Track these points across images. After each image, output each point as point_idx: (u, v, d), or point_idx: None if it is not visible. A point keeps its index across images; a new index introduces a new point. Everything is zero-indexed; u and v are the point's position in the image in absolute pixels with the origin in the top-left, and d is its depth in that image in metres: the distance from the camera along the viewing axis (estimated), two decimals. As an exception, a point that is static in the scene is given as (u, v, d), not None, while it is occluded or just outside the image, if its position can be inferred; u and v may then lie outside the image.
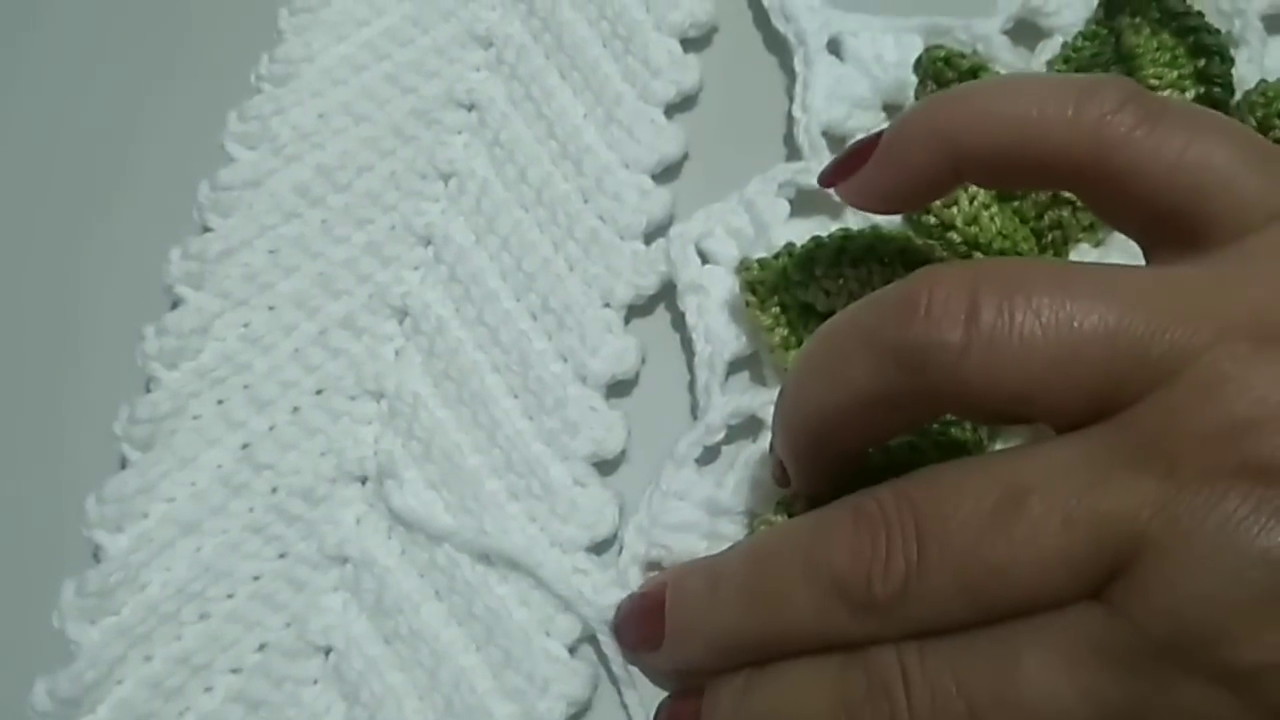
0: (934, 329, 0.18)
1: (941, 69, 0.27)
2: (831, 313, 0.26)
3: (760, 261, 0.27)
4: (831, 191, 0.28)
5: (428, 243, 0.30)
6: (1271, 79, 0.28)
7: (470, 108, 0.31)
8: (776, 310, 0.27)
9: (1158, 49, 0.28)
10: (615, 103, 0.31)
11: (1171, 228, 0.19)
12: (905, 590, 0.18)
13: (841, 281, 0.26)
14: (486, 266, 0.29)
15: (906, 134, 0.21)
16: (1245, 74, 0.28)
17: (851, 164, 0.22)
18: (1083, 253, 0.28)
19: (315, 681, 0.26)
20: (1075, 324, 0.17)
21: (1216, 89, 0.27)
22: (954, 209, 0.27)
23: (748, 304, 0.27)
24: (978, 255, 0.27)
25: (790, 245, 0.26)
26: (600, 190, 0.29)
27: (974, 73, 0.27)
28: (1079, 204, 0.27)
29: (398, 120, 0.31)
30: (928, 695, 0.18)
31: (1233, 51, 0.29)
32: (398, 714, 0.25)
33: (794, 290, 0.26)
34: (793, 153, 0.30)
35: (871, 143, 0.22)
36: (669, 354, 0.29)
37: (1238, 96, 0.28)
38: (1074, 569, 0.17)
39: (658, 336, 0.29)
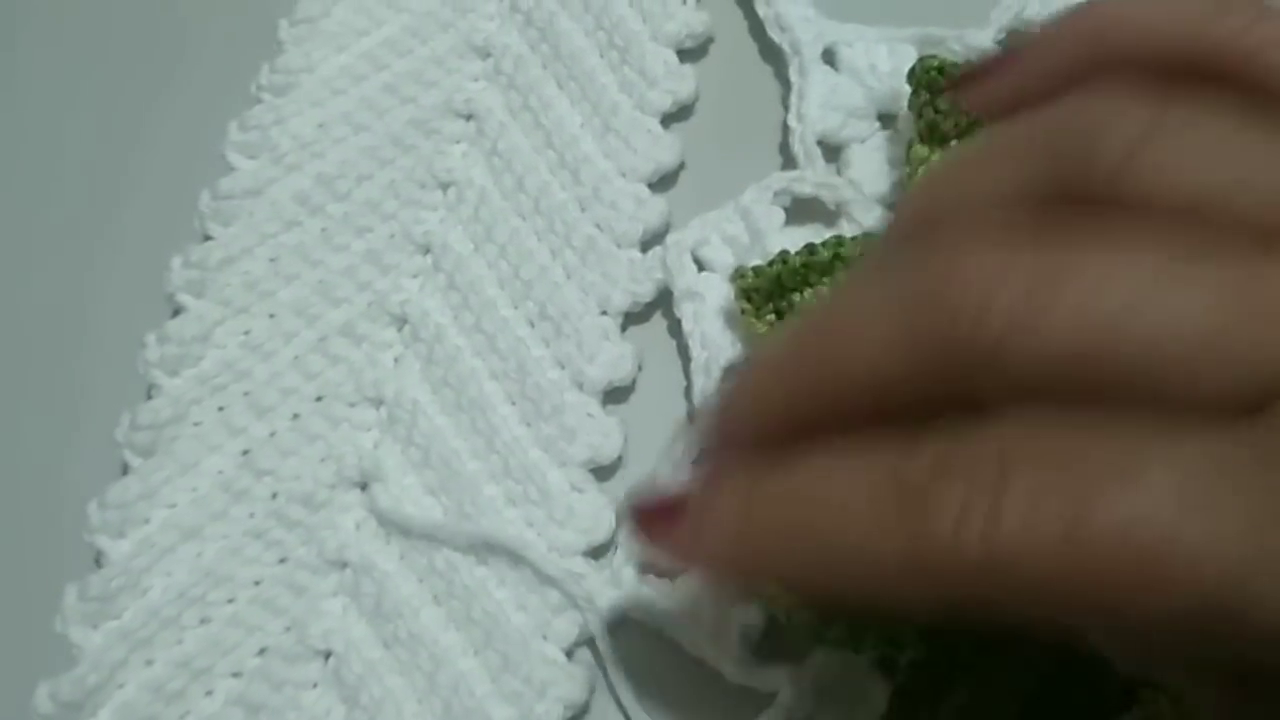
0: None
1: (935, 78, 0.28)
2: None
3: (755, 269, 0.27)
4: (826, 198, 0.29)
5: (426, 251, 0.30)
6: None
7: (469, 117, 0.32)
8: (772, 317, 0.27)
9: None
10: (612, 112, 0.31)
11: None
12: (1019, 328, 0.15)
13: (834, 288, 0.26)
14: (484, 274, 0.29)
15: (1052, 38, 0.19)
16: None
17: (990, 69, 0.20)
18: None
19: (315, 685, 0.26)
20: None
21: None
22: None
23: (743, 311, 0.27)
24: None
25: (785, 253, 0.27)
26: (597, 199, 0.30)
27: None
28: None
29: (397, 130, 0.31)
30: (1023, 496, 0.14)
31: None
32: (397, 717, 0.25)
33: (789, 297, 0.27)
34: (788, 161, 0.30)
35: (1011, 55, 0.20)
36: (666, 361, 0.29)
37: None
38: (1235, 369, 0.14)
39: (655, 344, 0.29)
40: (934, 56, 0.28)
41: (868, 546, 0.15)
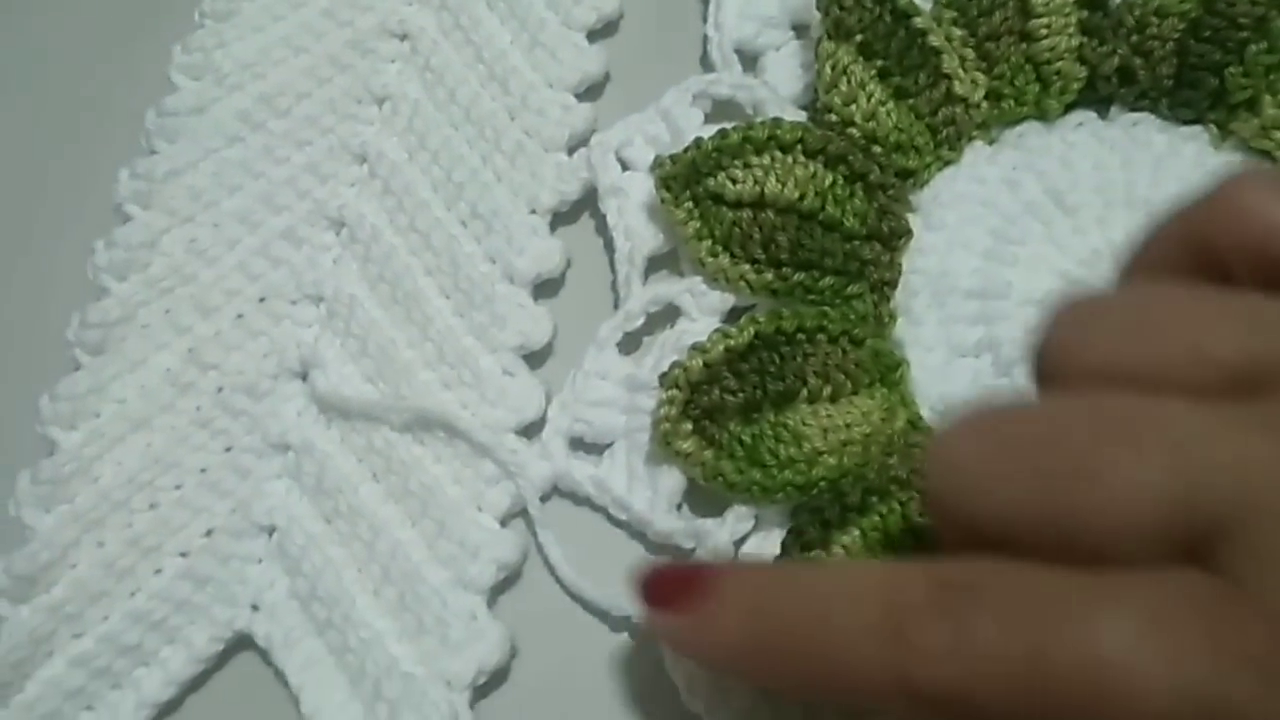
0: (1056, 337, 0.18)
1: (837, -16, 0.29)
2: (739, 202, 0.28)
3: (672, 156, 0.28)
4: (742, 99, 0.30)
5: (363, 160, 0.31)
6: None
7: (403, 37, 0.33)
8: (690, 204, 0.28)
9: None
10: (539, 28, 0.32)
11: None
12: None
13: (747, 170, 0.28)
14: (418, 180, 0.31)
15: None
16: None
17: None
18: (976, 150, 0.30)
19: (260, 560, 0.27)
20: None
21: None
22: (853, 106, 0.29)
23: (662, 200, 0.28)
24: (876, 149, 0.29)
25: (699, 139, 0.28)
26: (525, 107, 0.31)
27: None
28: (973, 102, 0.29)
29: (335, 50, 0.33)
30: (992, 624, 0.16)
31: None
32: (338, 583, 0.26)
33: (704, 182, 0.28)
34: (709, 72, 0.32)
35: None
36: (593, 260, 0.31)
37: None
38: (1172, 516, 0.16)
39: (583, 244, 0.31)
40: (838, -36, 0.29)
41: (858, 661, 0.17)
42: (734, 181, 0.28)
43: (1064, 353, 0.18)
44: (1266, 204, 0.18)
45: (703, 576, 0.20)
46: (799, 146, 0.28)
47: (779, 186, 0.27)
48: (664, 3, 0.34)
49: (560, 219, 0.31)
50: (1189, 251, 0.19)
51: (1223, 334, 0.17)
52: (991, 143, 0.30)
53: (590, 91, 0.32)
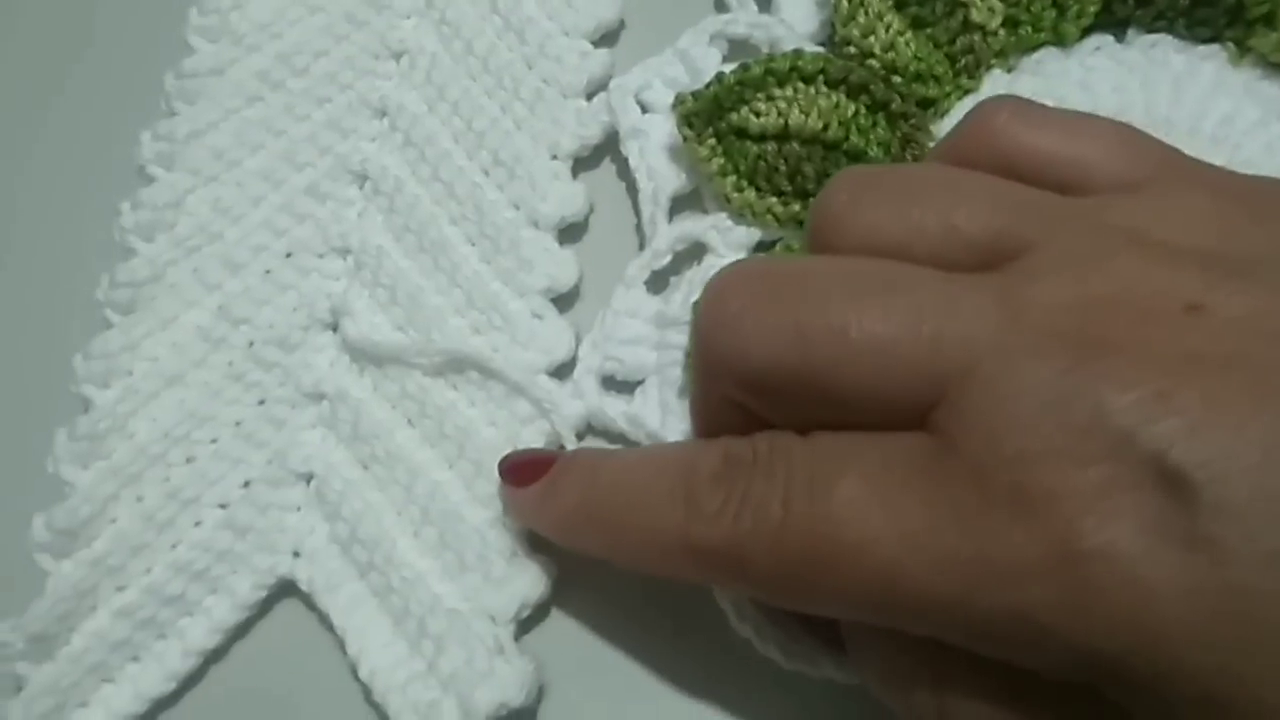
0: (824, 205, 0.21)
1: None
2: (763, 134, 0.28)
3: (694, 93, 0.28)
4: (759, 38, 0.30)
5: (383, 115, 0.32)
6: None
7: (419, -9, 0.33)
8: (713, 140, 0.28)
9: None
10: (555, -24, 0.32)
11: None
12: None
13: (770, 102, 0.28)
14: (439, 131, 0.31)
15: None
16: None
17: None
18: (995, 78, 0.30)
19: (299, 508, 0.27)
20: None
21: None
22: (871, 38, 0.29)
23: (685, 138, 0.28)
24: (896, 79, 0.29)
25: (720, 74, 0.28)
26: (543, 55, 0.31)
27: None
28: (990, 29, 0.29)
29: (350, 7, 0.33)
30: (756, 489, 0.19)
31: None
32: (378, 527, 0.26)
33: (726, 116, 0.28)
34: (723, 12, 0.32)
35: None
36: (616, 204, 0.31)
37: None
38: (908, 378, 0.18)
39: (604, 189, 0.31)
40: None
41: (659, 525, 0.20)
42: (757, 115, 0.28)
43: (835, 220, 0.20)
44: (1010, 125, 0.21)
45: (550, 459, 0.24)
46: (821, 77, 0.28)
47: (802, 117, 0.28)
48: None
49: (581, 165, 0.31)
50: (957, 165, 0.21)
51: (972, 211, 0.19)
52: (1010, 70, 0.30)
53: (606, 38, 0.32)
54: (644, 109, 0.31)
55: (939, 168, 0.21)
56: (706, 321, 0.20)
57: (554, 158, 0.30)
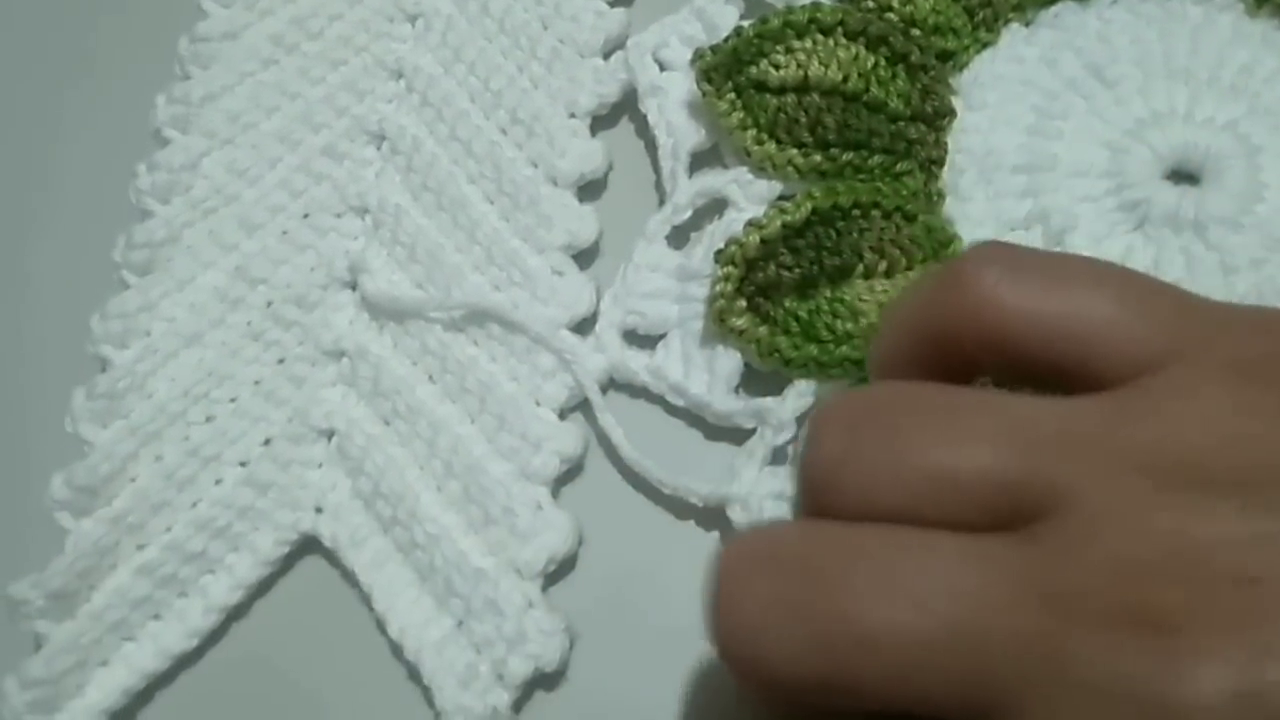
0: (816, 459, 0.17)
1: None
2: (783, 87, 0.28)
3: (713, 48, 0.28)
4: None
5: (400, 76, 0.31)
6: None
7: (431, -44, 0.33)
8: (732, 95, 0.28)
9: None
10: (569, -60, 0.32)
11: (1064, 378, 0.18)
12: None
13: (789, 54, 0.28)
14: (456, 91, 0.31)
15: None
16: None
17: None
18: (1013, 32, 0.30)
19: (320, 465, 0.27)
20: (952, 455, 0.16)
21: None
22: (890, -9, 0.29)
23: (704, 93, 0.28)
24: (915, 31, 0.29)
25: (739, 27, 0.28)
26: (559, 15, 0.31)
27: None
28: (1007, -16, 0.29)
29: (363, -28, 0.33)
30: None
31: None
32: (401, 482, 0.26)
33: (746, 70, 0.28)
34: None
35: None
36: (635, 162, 0.31)
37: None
38: (960, 684, 0.16)
39: (624, 147, 0.31)
40: None
41: None
42: (777, 67, 0.28)
43: (826, 481, 0.17)
44: (1003, 292, 0.17)
45: None
46: (840, 29, 0.28)
47: (822, 69, 0.27)
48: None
49: (599, 123, 0.31)
50: (930, 343, 0.18)
51: (980, 462, 0.16)
52: (1028, 24, 0.30)
53: None
54: (662, 67, 0.30)
55: (932, 392, 0.18)
56: (719, 627, 0.17)
57: (572, 116, 0.30)
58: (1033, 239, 0.27)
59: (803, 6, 0.28)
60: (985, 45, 0.29)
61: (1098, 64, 0.29)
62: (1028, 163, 0.28)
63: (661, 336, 0.28)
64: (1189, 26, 0.29)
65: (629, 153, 0.31)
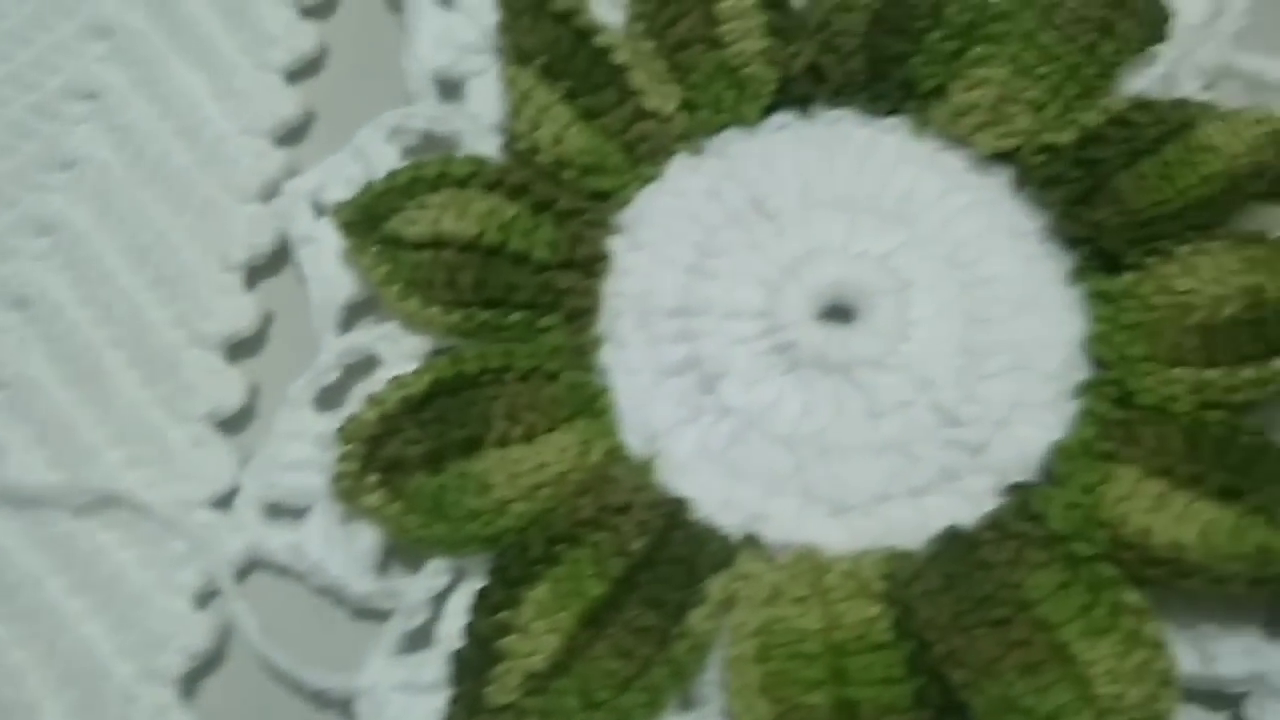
0: None
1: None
2: (419, 243, 0.27)
3: (350, 201, 0.27)
4: (440, 131, 0.29)
5: (48, 232, 0.30)
6: None
7: (91, 96, 0.31)
8: (375, 248, 0.27)
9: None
10: (233, 73, 0.31)
11: None
12: None
13: (422, 209, 0.27)
14: (104, 246, 0.29)
15: None
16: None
17: None
18: (680, 162, 0.29)
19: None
20: None
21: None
22: (539, 131, 0.28)
23: (348, 245, 0.27)
24: (567, 174, 0.28)
25: (371, 182, 0.27)
26: (218, 158, 0.30)
27: (543, 2, 0.28)
28: (665, 115, 0.28)
29: (18, 117, 0.31)
30: None
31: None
32: (17, 691, 0.25)
33: (383, 226, 0.27)
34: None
35: None
36: (301, 313, 0.29)
37: None
38: None
39: (289, 298, 0.29)
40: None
41: None
42: (411, 223, 0.27)
43: None
44: None
45: None
46: (475, 180, 0.27)
47: (456, 223, 0.26)
48: (371, 33, 0.32)
49: (263, 271, 0.29)
50: None
51: None
52: (697, 153, 0.29)
53: (291, 135, 0.31)
54: (325, 211, 0.29)
55: None
56: None
57: (225, 269, 0.29)
58: (688, 385, 0.26)
59: (435, 159, 0.27)
60: (649, 179, 0.28)
61: (760, 195, 0.28)
62: (683, 305, 0.27)
63: (309, 508, 0.26)
64: (854, 150, 0.28)
65: (294, 303, 0.29)
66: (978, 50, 0.28)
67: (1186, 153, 0.26)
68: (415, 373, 0.25)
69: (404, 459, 0.25)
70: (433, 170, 0.26)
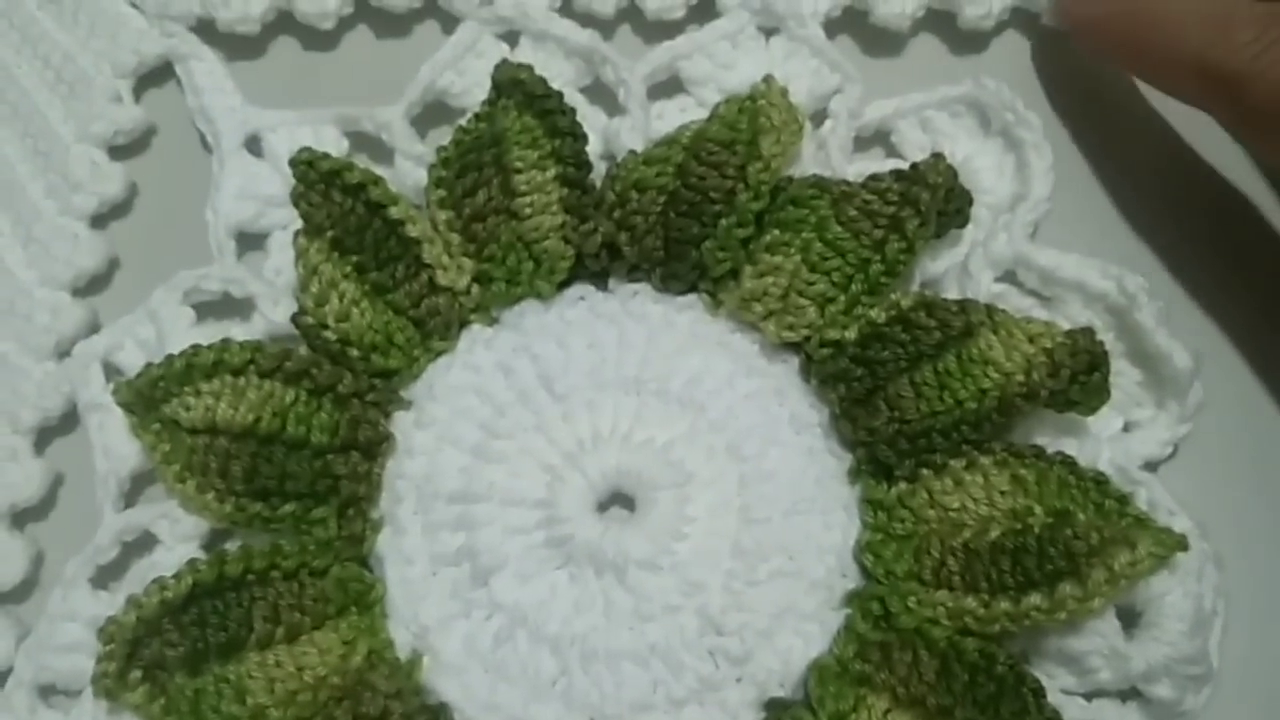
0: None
1: (306, 171, 0.28)
2: (195, 428, 0.26)
3: (130, 381, 0.27)
4: (235, 293, 0.29)
5: None
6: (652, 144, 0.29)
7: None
8: (157, 426, 0.27)
9: (521, 131, 0.29)
10: (35, 219, 0.30)
11: None
12: None
13: (198, 396, 0.26)
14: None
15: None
16: (628, 141, 0.30)
17: None
18: (474, 334, 0.28)
19: None
20: None
21: (571, 168, 0.28)
22: (325, 308, 0.27)
23: (130, 423, 0.27)
24: (352, 352, 0.27)
25: (149, 365, 0.27)
26: (13, 313, 0.29)
27: (335, 174, 0.28)
28: (458, 290, 0.28)
29: None
30: None
31: (615, 120, 0.30)
32: None
33: (160, 408, 0.26)
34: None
35: None
36: (91, 473, 0.29)
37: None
38: None
39: (83, 454, 0.29)
40: (308, 149, 0.28)
41: (1179, 39, 0.26)
42: (187, 409, 0.26)
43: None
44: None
45: None
46: (251, 367, 0.26)
47: (230, 412, 0.26)
48: (183, 173, 0.32)
49: (54, 431, 0.29)
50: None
51: None
52: (491, 324, 0.29)
53: (94, 285, 0.31)
54: (119, 373, 0.29)
55: None
56: None
57: (14, 432, 0.28)
58: (462, 577, 0.26)
59: (210, 346, 0.26)
60: (440, 353, 0.28)
61: (550, 374, 0.28)
62: (464, 490, 0.27)
63: (81, 691, 0.26)
64: (648, 328, 0.28)
65: (87, 464, 0.29)
66: (769, 236, 0.27)
67: (964, 364, 0.26)
68: (176, 575, 0.25)
69: (165, 660, 0.24)
70: (208, 358, 0.26)
